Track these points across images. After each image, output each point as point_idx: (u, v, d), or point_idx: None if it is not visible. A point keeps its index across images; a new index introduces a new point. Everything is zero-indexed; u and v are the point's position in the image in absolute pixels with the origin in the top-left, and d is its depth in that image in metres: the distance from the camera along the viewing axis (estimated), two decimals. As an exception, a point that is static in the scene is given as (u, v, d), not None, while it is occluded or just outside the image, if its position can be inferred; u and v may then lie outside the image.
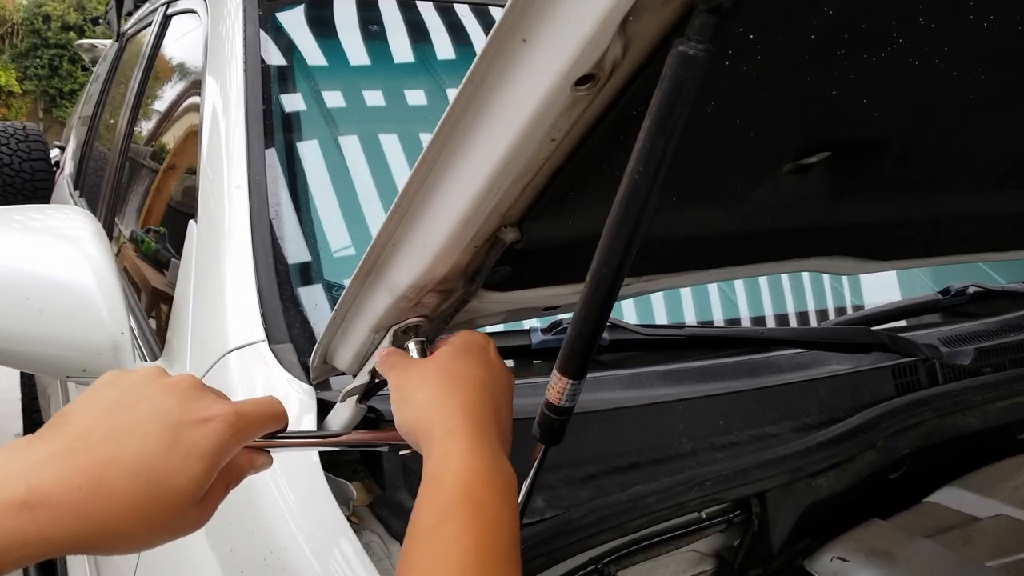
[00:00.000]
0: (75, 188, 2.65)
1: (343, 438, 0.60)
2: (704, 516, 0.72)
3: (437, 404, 0.53)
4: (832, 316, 1.16)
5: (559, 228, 0.54)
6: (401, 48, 1.27)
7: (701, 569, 0.77)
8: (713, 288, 1.17)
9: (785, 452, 0.73)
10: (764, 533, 0.74)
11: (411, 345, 0.59)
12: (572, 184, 0.49)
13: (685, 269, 0.69)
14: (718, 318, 1.15)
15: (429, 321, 0.61)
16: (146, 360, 1.07)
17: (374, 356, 0.63)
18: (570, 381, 0.46)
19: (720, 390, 0.85)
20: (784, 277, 1.24)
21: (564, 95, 0.40)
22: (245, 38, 1.13)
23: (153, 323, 1.23)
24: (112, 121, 2.23)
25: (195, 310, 0.91)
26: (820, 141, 0.60)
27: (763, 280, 1.22)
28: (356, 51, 1.24)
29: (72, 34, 14.54)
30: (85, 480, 0.42)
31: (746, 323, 1.16)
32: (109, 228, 1.69)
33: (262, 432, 0.53)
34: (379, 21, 1.29)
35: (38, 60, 15.03)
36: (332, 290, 0.93)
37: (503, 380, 0.57)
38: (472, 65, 0.41)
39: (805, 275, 1.21)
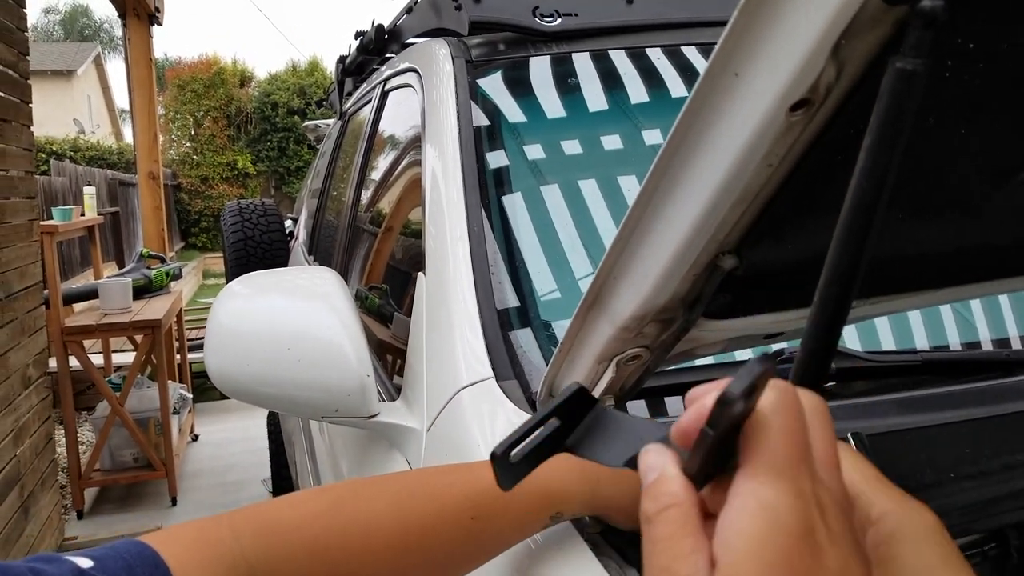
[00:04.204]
0: (309, 253, 2.94)
1: None
2: (955, 548, 0.67)
3: None
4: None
5: (778, 253, 0.55)
6: (597, 98, 1.33)
7: (956, 607, 0.72)
8: (947, 310, 1.10)
9: (1045, 479, 0.67)
10: (1026, 568, 0.68)
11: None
12: (790, 208, 0.50)
13: (918, 289, 0.66)
14: (954, 342, 1.08)
15: (650, 351, 0.64)
16: (384, 400, 1.17)
17: (600, 384, 0.66)
18: (802, 401, 0.46)
19: (963, 417, 0.79)
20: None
21: (779, 121, 0.42)
22: (458, 105, 1.24)
23: (382, 370, 1.34)
24: (339, 191, 2.46)
25: (428, 352, 0.99)
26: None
27: (1003, 299, 1.13)
28: (556, 106, 1.31)
29: (296, 118, 16.24)
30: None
31: (987, 346, 1.08)
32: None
33: None
34: (575, 74, 1.35)
35: (268, 143, 16.90)
36: (547, 330, 0.98)
37: None
38: (686, 102, 0.44)
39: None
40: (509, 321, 0.95)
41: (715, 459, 0.34)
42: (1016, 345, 1.09)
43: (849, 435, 0.73)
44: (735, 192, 0.47)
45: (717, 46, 0.41)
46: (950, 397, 0.83)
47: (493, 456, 0.47)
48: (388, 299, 1.50)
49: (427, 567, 0.61)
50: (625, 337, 0.60)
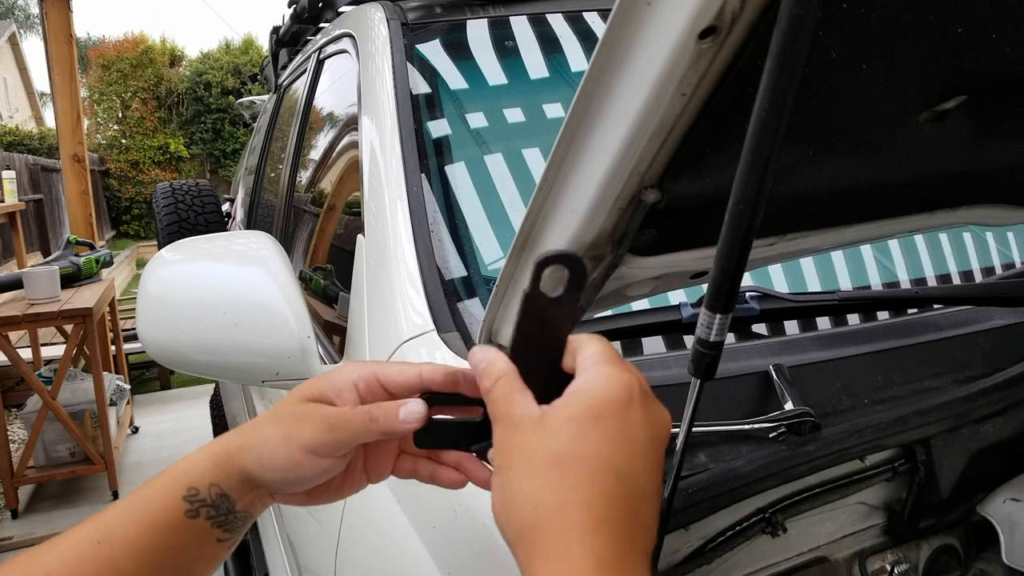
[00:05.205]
0: (247, 231, 2.90)
1: None
2: (867, 464, 0.72)
3: (551, 510, 0.43)
4: (1000, 273, 1.12)
5: (699, 186, 0.58)
6: (536, 63, 1.34)
7: (872, 523, 0.77)
8: (868, 255, 1.16)
9: (947, 399, 0.72)
10: (932, 481, 0.73)
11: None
12: (707, 140, 0.53)
13: (829, 225, 0.70)
14: (875, 283, 1.14)
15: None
16: (326, 364, 1.18)
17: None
18: (718, 316, 0.50)
19: (876, 349, 0.84)
20: (944, 238, 1.20)
21: (690, 49, 0.44)
22: (394, 67, 1.24)
23: (327, 344, 1.35)
24: (276, 168, 2.43)
25: (370, 310, 1.00)
26: (954, 84, 0.61)
27: (920, 241, 1.19)
28: (493, 68, 1.32)
29: (231, 98, 15.82)
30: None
31: (906, 287, 1.14)
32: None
33: (365, 434, 0.56)
34: (512, 38, 1.37)
35: (202, 125, 16.44)
36: (487, 284, 1.00)
37: (651, 450, 0.48)
38: (603, 33, 0.46)
39: (967, 235, 1.17)
40: (449, 276, 0.97)
41: (548, 379, 0.51)
42: (932, 285, 1.15)
43: (771, 367, 0.77)
44: (652, 123, 0.49)
45: (629, -24, 0.44)
46: (865, 332, 0.88)
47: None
48: (332, 278, 1.51)
49: None
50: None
